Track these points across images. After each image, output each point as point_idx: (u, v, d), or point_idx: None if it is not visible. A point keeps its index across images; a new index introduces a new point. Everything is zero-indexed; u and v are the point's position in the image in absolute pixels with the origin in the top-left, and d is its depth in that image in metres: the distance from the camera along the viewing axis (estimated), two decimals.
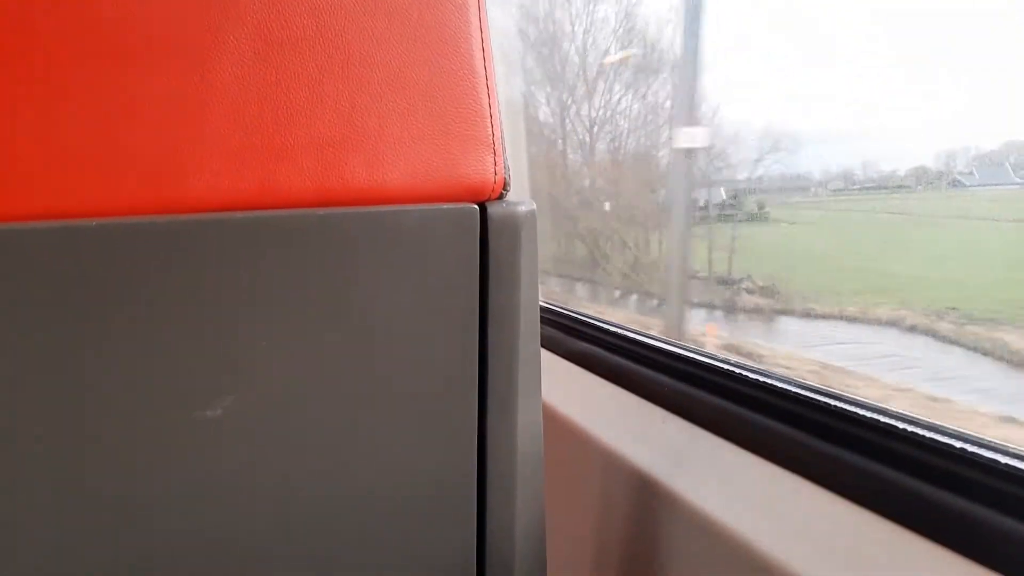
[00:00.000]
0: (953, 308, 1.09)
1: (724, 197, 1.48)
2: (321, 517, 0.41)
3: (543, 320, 1.09)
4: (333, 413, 0.40)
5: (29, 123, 0.33)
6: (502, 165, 0.42)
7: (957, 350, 1.04)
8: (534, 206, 0.43)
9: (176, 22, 0.34)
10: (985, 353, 1.00)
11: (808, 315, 1.32)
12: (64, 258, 0.34)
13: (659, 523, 0.58)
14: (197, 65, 0.35)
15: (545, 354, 1.01)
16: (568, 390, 0.85)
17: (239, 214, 0.36)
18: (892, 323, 1.16)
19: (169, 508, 0.38)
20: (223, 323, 0.37)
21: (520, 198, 0.43)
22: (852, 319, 1.24)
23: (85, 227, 0.34)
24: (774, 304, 1.39)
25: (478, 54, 0.40)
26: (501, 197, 0.42)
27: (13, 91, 0.32)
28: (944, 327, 1.07)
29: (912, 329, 1.13)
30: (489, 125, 0.41)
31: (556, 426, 0.75)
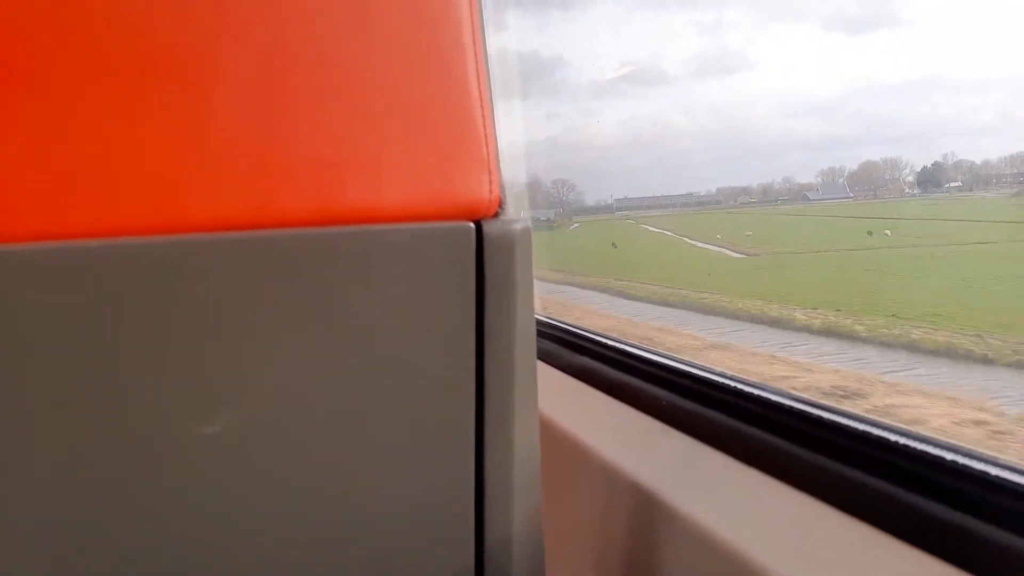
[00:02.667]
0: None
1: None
2: (318, 532, 0.41)
3: (541, 334, 1.10)
4: (330, 429, 0.40)
5: (31, 144, 0.33)
6: (497, 183, 0.42)
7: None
8: (529, 223, 0.44)
9: (177, 44, 0.35)
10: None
11: None
12: (65, 278, 0.34)
13: (658, 537, 0.58)
14: (197, 87, 0.35)
15: (543, 368, 1.02)
16: (566, 404, 0.85)
17: (238, 233, 0.37)
18: None
19: (167, 522, 0.38)
20: (222, 340, 0.37)
21: (515, 215, 0.44)
22: None
23: (86, 247, 0.35)
24: None
25: (472, 74, 0.41)
26: (497, 215, 0.43)
27: (14, 111, 0.33)
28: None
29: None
30: (484, 144, 0.41)
31: (554, 440, 0.75)
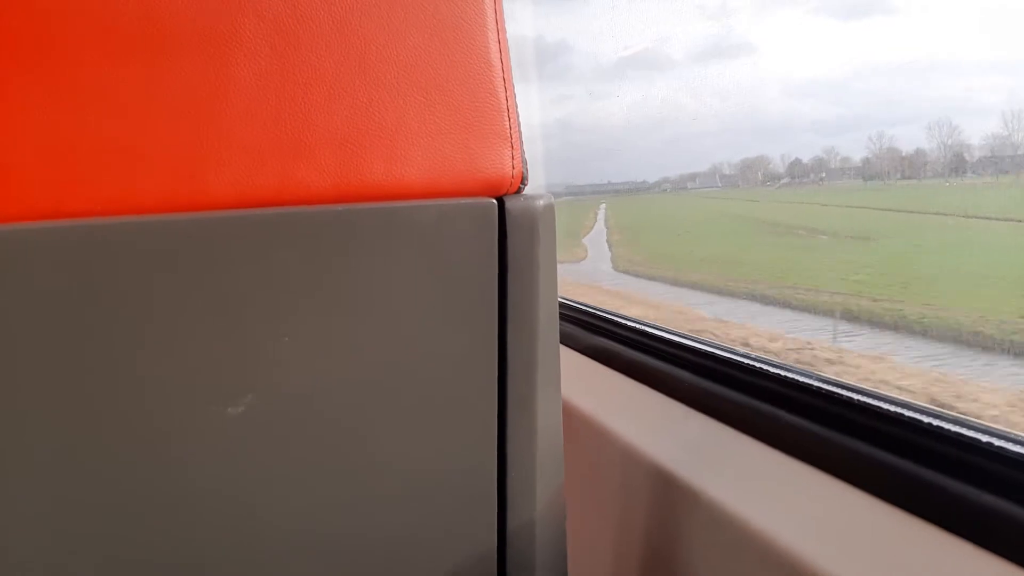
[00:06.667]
0: None
1: None
2: (341, 513, 0.41)
3: (561, 316, 1.09)
4: (353, 409, 0.40)
5: (49, 122, 0.33)
6: (520, 159, 0.41)
7: None
8: (552, 200, 0.43)
9: (193, 19, 0.34)
10: None
11: None
12: (84, 256, 0.34)
13: (680, 519, 0.58)
14: (215, 62, 0.35)
15: (563, 350, 1.01)
16: (587, 386, 0.84)
17: (258, 211, 0.37)
18: None
19: (191, 504, 0.38)
20: (243, 320, 0.37)
21: (538, 191, 0.43)
22: None
23: (105, 225, 0.34)
24: None
25: (494, 47, 0.40)
26: (519, 191, 0.42)
27: (32, 89, 0.33)
28: None
29: None
30: (506, 118, 0.41)
31: (575, 422, 0.75)
